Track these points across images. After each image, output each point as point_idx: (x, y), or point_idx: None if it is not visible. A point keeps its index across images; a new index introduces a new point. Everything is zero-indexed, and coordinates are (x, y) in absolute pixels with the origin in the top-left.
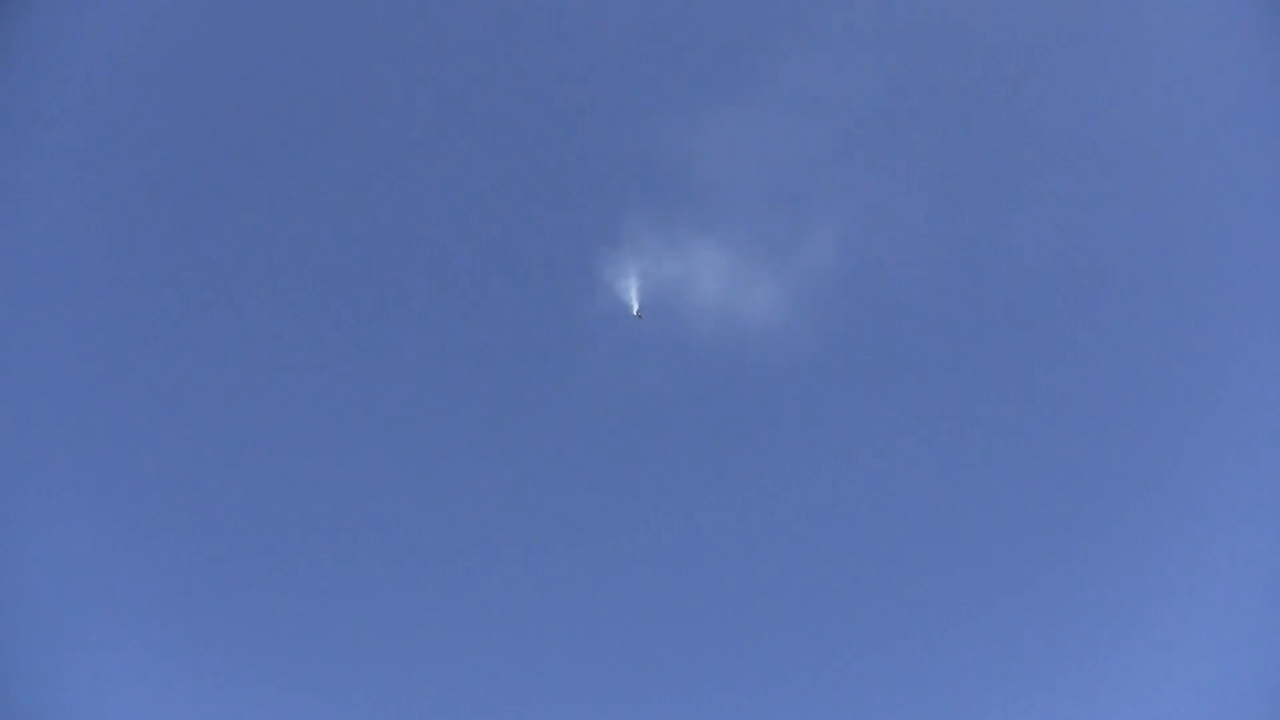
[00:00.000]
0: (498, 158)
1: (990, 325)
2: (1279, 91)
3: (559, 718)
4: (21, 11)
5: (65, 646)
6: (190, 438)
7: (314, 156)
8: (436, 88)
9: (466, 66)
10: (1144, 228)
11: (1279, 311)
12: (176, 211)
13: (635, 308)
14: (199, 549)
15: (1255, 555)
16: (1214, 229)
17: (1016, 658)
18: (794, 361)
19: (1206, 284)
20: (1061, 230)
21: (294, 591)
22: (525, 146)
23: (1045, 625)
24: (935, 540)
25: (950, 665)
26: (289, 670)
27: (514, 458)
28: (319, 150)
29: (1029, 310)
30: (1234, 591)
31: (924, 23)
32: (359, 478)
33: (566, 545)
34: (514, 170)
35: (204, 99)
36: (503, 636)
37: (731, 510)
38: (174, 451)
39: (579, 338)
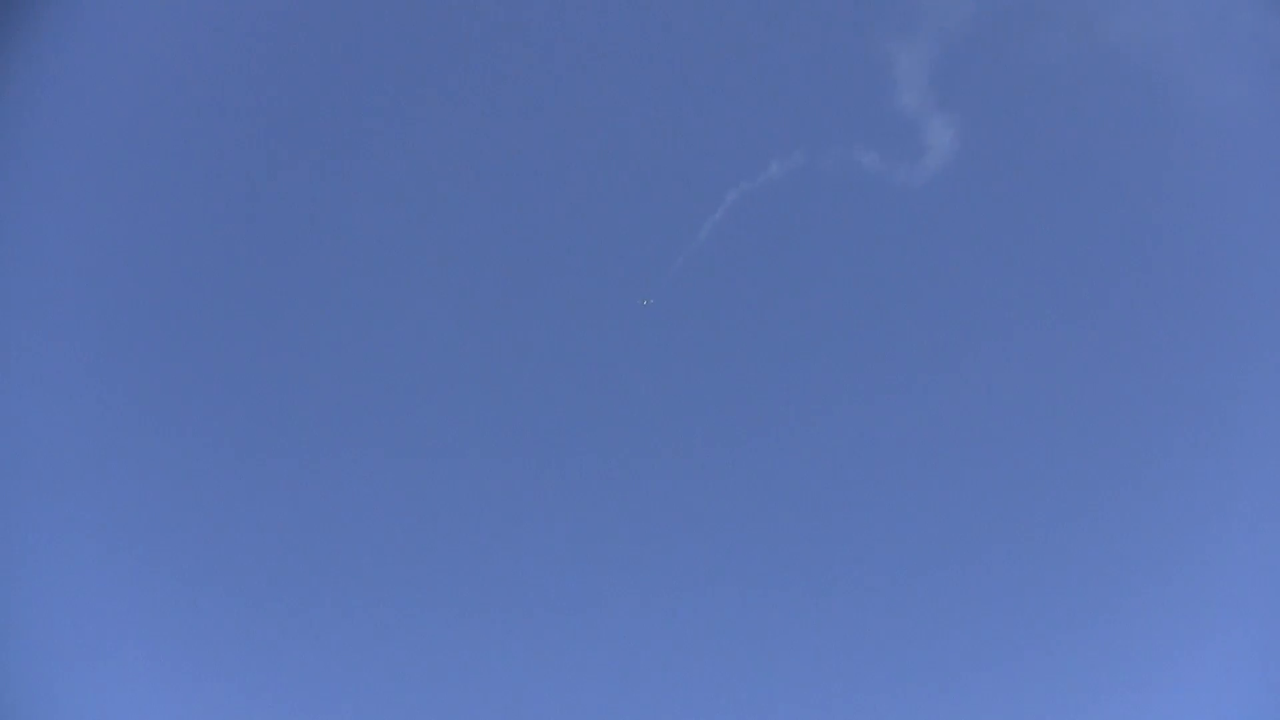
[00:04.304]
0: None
1: (989, 321)
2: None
3: None
4: (23, 13)
5: (63, 655)
6: (192, 443)
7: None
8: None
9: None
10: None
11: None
12: (179, 214)
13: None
14: (198, 556)
15: (1255, 558)
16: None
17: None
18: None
19: (1208, 290)
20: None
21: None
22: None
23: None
24: (935, 539)
25: (947, 667)
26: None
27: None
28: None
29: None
30: (1232, 595)
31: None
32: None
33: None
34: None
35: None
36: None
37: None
38: (175, 456)
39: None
